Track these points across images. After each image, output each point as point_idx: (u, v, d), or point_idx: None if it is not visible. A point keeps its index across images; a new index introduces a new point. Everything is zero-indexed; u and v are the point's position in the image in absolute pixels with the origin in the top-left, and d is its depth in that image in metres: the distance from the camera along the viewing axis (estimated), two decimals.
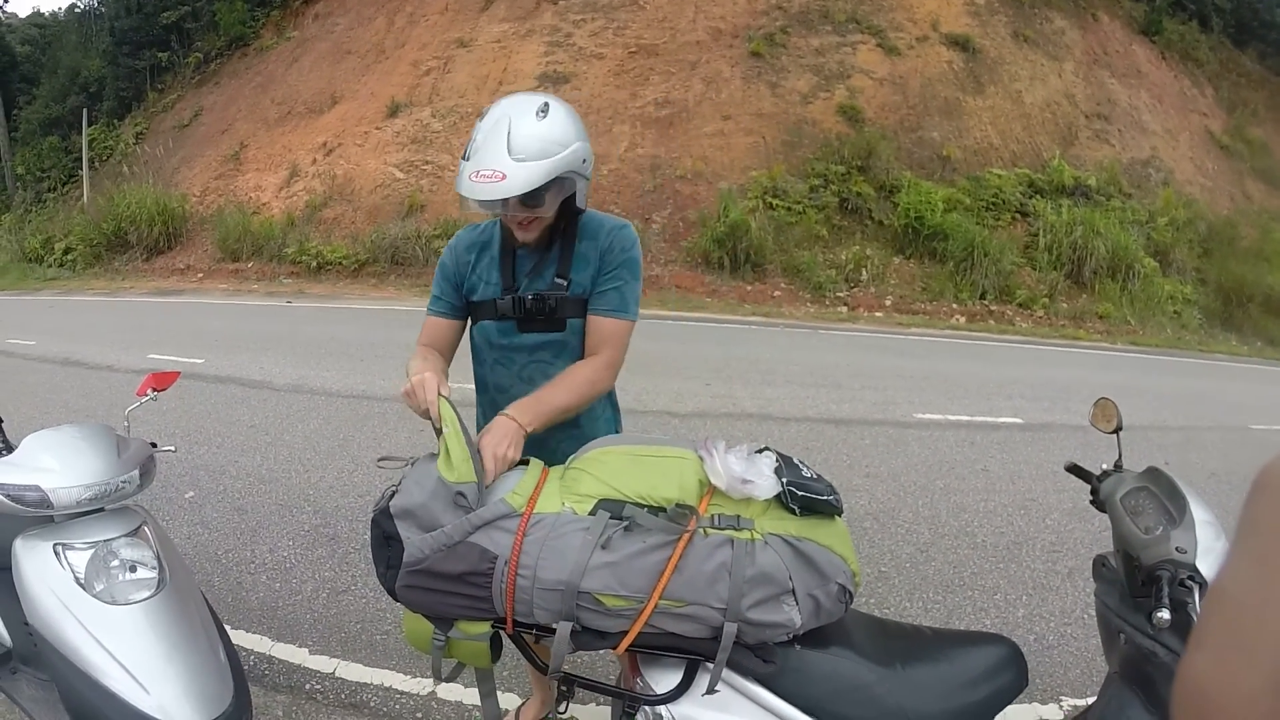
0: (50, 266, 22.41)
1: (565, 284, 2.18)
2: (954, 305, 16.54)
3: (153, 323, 12.96)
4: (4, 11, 38.76)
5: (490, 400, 2.35)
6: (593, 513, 1.71)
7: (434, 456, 1.83)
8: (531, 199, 1.96)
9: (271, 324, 12.50)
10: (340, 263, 17.81)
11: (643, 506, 1.70)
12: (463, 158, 2.01)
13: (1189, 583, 1.76)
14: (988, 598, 4.25)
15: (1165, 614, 1.71)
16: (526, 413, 1.99)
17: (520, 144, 1.93)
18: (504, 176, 1.90)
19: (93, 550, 2.27)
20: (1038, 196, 19.09)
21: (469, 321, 2.34)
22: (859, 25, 21.47)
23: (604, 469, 1.80)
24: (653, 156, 18.95)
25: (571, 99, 19.70)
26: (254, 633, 3.55)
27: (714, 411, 7.38)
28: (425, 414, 1.86)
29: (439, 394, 1.85)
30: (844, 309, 15.91)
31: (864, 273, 16.87)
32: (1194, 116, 25.98)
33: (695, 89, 20.16)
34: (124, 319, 13.58)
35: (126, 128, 28.66)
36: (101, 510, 2.38)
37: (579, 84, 20.56)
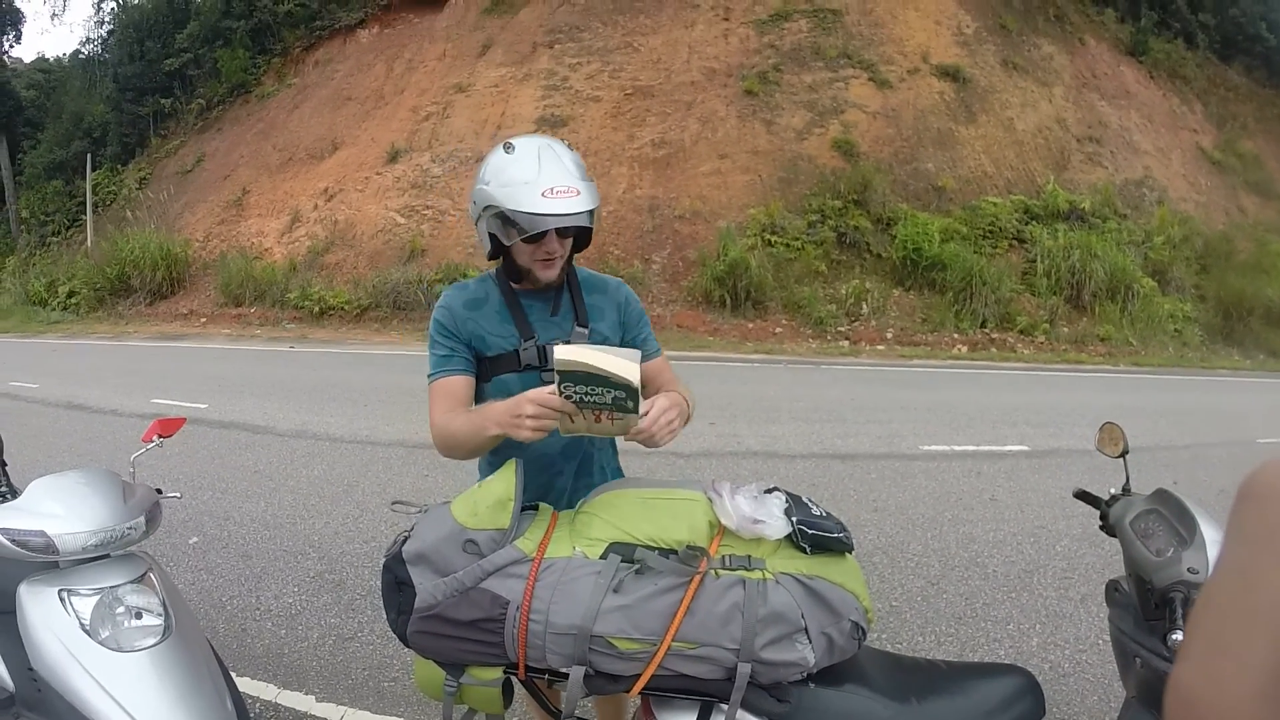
0: (54, 310, 22.54)
1: (586, 331, 2.16)
2: (955, 335, 16.57)
3: (156, 367, 13.01)
4: (9, 57, 39.08)
5: (507, 458, 2.14)
6: (604, 556, 1.71)
7: (447, 503, 1.83)
8: (591, 219, 1.97)
9: (275, 369, 12.55)
10: (342, 308, 17.89)
11: (653, 549, 1.71)
12: (498, 185, 1.94)
13: None
14: (1001, 628, 4.24)
15: (1180, 635, 1.72)
16: (679, 390, 2.04)
17: (573, 168, 1.93)
18: (579, 192, 1.89)
19: (98, 597, 2.26)
20: (1033, 222, 19.18)
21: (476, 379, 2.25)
22: (850, 60, 21.66)
23: (614, 512, 1.81)
24: (651, 197, 19.09)
25: (570, 141, 19.56)
26: (260, 680, 3.53)
27: (719, 451, 7.35)
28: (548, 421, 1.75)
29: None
30: (846, 343, 15.94)
31: (864, 306, 16.92)
32: (1185, 134, 26.12)
33: (691, 129, 20.33)
34: (127, 363, 13.62)
35: (130, 173, 28.96)
36: (107, 556, 2.37)
37: (576, 126, 20.73)
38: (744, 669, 1.63)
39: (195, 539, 5.20)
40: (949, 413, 9.51)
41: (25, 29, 45.50)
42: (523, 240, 1.96)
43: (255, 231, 21.99)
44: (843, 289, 17.21)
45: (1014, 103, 22.38)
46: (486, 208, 1.98)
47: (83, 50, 37.80)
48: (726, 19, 22.92)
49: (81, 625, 2.20)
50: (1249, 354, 18.50)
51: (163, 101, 29.32)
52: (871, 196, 18.51)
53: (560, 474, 2.23)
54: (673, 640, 1.62)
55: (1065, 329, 17.26)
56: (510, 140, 1.99)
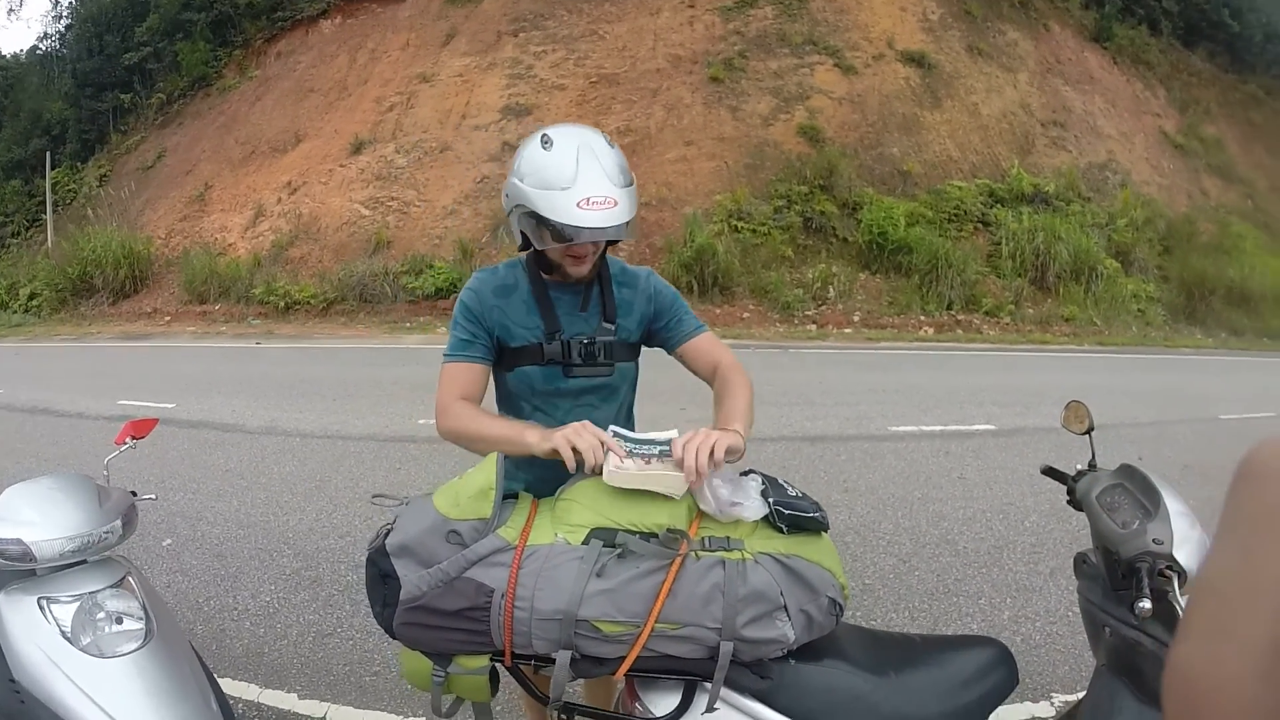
0: (15, 313, 22.11)
1: (613, 327, 2.16)
2: (921, 317, 16.71)
3: (121, 368, 12.85)
4: None
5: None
6: (585, 542, 1.73)
7: (428, 495, 1.85)
8: (629, 228, 1.95)
9: (242, 366, 12.44)
10: (308, 302, 17.75)
11: (634, 533, 1.73)
12: (529, 187, 1.92)
13: (1168, 572, 1.83)
14: (972, 603, 4.32)
15: (1147, 604, 1.77)
16: (738, 421, 2.00)
17: (612, 171, 1.91)
18: (616, 203, 1.88)
19: (78, 603, 2.24)
20: (998, 206, 19.38)
21: (494, 373, 2.25)
22: (816, 46, 21.72)
23: (594, 498, 1.82)
24: None
25: (535, 129, 19.81)
26: (241, 680, 3.51)
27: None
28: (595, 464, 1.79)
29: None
30: (813, 327, 16.03)
31: (831, 290, 17.02)
32: (1148, 118, 26.48)
33: (657, 116, 20.33)
34: (92, 365, 13.43)
35: (90, 170, 28.53)
36: (84, 562, 2.35)
37: (541, 115, 20.63)
38: (726, 647, 1.66)
39: (169, 541, 5.15)
40: (916, 394, 9.61)
41: None
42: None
43: (218, 227, 21.72)
44: (809, 273, 17.31)
45: (979, 88, 22.57)
46: (519, 205, 1.96)
47: (40, 46, 37.15)
48: (691, 6, 22.91)
49: (62, 633, 2.18)
50: (1211, 333, 18.85)
51: (122, 97, 28.90)
52: (837, 181, 18.60)
53: (555, 465, 2.21)
54: (656, 622, 1.65)
55: (1030, 310, 17.46)
56: (547, 132, 1.98)
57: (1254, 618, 0.68)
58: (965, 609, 4.25)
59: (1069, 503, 2.30)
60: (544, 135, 1.97)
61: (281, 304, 17.86)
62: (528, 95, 21.39)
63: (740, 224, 17.60)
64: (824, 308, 16.72)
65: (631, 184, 1.96)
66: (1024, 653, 3.71)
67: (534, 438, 1.89)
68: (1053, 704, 3.37)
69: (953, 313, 16.97)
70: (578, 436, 1.80)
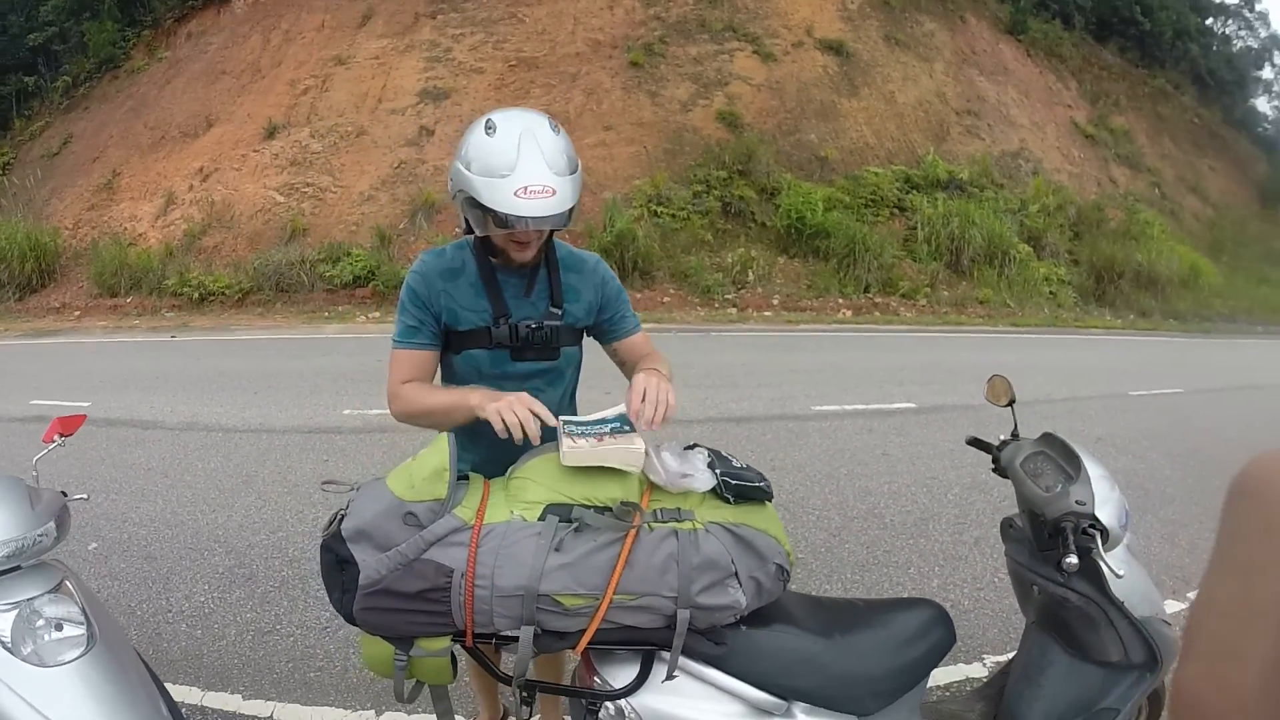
0: None
1: (559, 313, 2.20)
2: (840, 300, 17.02)
3: (31, 367, 12.37)
4: None
5: (470, 431, 2.17)
6: (542, 518, 1.77)
7: (381, 478, 1.87)
8: (569, 217, 1.97)
9: (157, 361, 12.07)
10: (224, 293, 17.28)
11: (589, 507, 1.78)
12: (471, 173, 1.94)
13: (1090, 530, 1.97)
14: (902, 572, 4.50)
15: (1073, 559, 1.91)
16: (663, 366, 2.15)
17: (553, 159, 1.93)
18: (554, 192, 1.90)
19: (16, 611, 2.16)
20: (914, 192, 19.82)
21: (442, 351, 2.27)
22: (735, 33, 21.89)
23: (547, 475, 1.86)
24: None
25: (453, 114, 19.63)
26: (182, 684, 3.45)
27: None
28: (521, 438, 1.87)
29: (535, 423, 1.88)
30: (733, 310, 16.22)
31: (750, 274, 17.21)
32: (1059, 109, 27.34)
33: (576, 100, 20.26)
34: (0, 365, 13.00)
35: None
36: (19, 568, 2.27)
37: (459, 99, 20.43)
38: (683, 615, 1.73)
39: (94, 545, 5.04)
40: (837, 374, 9.86)
41: None
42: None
43: (128, 216, 20.99)
44: (729, 258, 17.48)
45: (895, 77, 23.00)
46: (461, 190, 1.99)
47: None
48: None
49: (2, 643, 2.10)
50: (1120, 314, 19.61)
51: (26, 79, 27.62)
52: (756, 167, 18.80)
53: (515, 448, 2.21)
54: (615, 593, 1.70)
55: (946, 293, 17.93)
56: (492, 117, 2.00)
57: (1257, 636, 0.70)
58: (895, 578, 4.42)
59: (994, 470, 2.44)
60: (488, 120, 2.00)
61: (196, 295, 17.34)
62: (445, 79, 21.11)
63: (660, 209, 17.69)
64: (744, 291, 16.91)
65: (575, 171, 2.01)
66: (954, 618, 3.80)
67: (476, 399, 1.96)
68: (985, 664, 3.53)
69: (870, 295, 17.32)
70: (509, 410, 1.86)
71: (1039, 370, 10.78)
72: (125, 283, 18.37)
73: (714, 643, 1.83)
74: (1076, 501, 2.02)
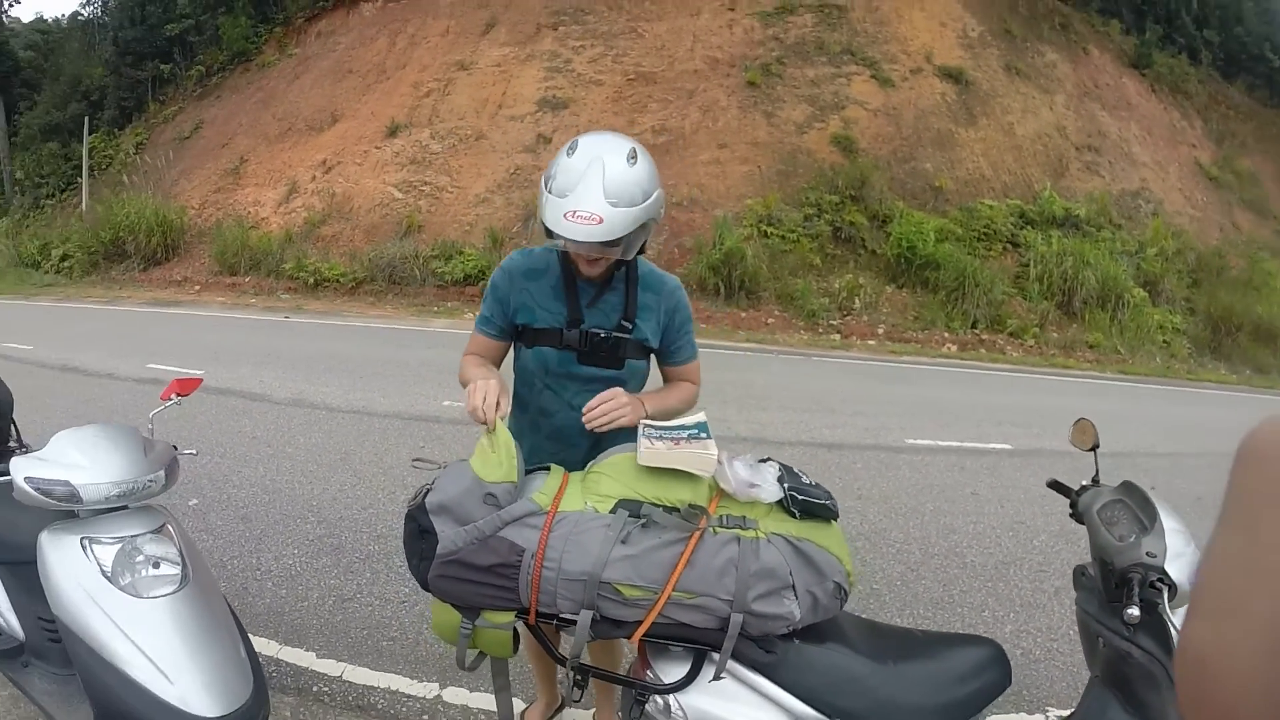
0: (47, 273, 22.28)
1: (630, 328, 2.30)
2: (945, 334, 16.66)
3: (150, 333, 12.96)
4: (7, 16, 38.59)
5: (532, 421, 2.43)
6: (613, 511, 1.85)
7: (466, 460, 1.97)
8: (617, 243, 2.05)
9: (270, 338, 12.54)
10: (338, 280, 17.85)
11: (658, 506, 1.85)
12: (545, 189, 2.06)
13: (1158, 584, 1.89)
14: (976, 614, 4.37)
15: (1135, 610, 1.84)
16: (652, 402, 2.23)
17: (615, 189, 1.99)
18: (600, 220, 1.97)
19: (119, 545, 2.33)
20: (1028, 227, 19.26)
21: (515, 344, 2.43)
22: (854, 57, 21.69)
23: (623, 472, 1.94)
24: None
25: (570, 124, 19.87)
26: (262, 636, 3.60)
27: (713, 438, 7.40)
28: (480, 418, 1.98)
29: (497, 410, 1.98)
30: (837, 336, 16.01)
31: (857, 301, 16.97)
32: (1183, 148, 26.28)
33: (692, 117, 20.32)
34: (121, 328, 13.57)
35: (127, 137, 28.71)
36: (126, 508, 2.44)
37: (577, 110, 20.72)
38: (736, 618, 1.77)
39: (195, 501, 5.27)
40: (935, 409, 9.63)
41: None
42: None
43: (252, 201, 21.84)
44: (836, 283, 17.28)
45: (1015, 108, 22.47)
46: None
47: (82, 12, 37.38)
48: (731, 9, 22.88)
49: (103, 572, 2.27)
50: (1235, 369, 18.64)
51: (162, 67, 29.07)
52: (869, 193, 18.54)
53: (575, 447, 2.36)
54: (673, 590, 1.76)
55: (1055, 334, 17.39)
56: (580, 139, 2.10)
57: (1261, 595, 0.70)
58: (969, 619, 4.31)
59: (1071, 516, 2.38)
60: (574, 141, 2.09)
61: (311, 280, 17.95)
62: (564, 89, 21.43)
63: (770, 229, 17.57)
64: (849, 318, 16.70)
65: (637, 204, 2.04)
66: (1023, 666, 3.78)
67: (474, 374, 2.15)
68: (1048, 717, 3.42)
69: (977, 331, 16.91)
70: (475, 393, 1.98)
71: (1144, 422, 10.37)
72: (245, 263, 19.14)
73: (765, 650, 1.86)
74: (1147, 554, 1.95)
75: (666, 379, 2.49)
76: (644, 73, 21.56)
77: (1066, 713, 2.79)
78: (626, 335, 2.30)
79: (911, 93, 21.45)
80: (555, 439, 2.31)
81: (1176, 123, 27.10)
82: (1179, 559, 1.97)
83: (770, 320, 16.34)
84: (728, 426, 7.81)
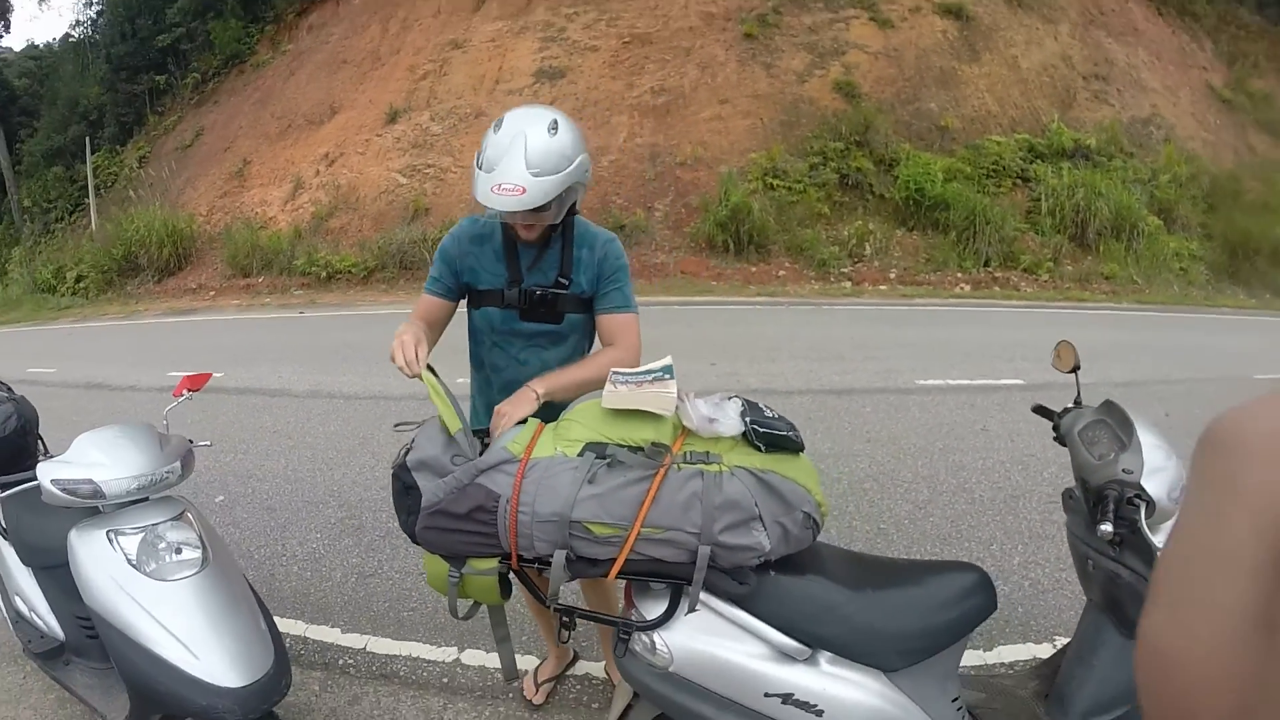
0: (63, 296, 22.47)
1: (567, 283, 2.44)
2: (958, 274, 16.55)
3: (169, 342, 13.11)
4: None
5: (485, 378, 2.64)
6: (580, 454, 1.93)
7: (436, 417, 2.12)
8: (544, 208, 2.19)
9: (286, 335, 12.70)
10: (350, 271, 17.91)
11: (624, 447, 1.93)
12: (476, 165, 2.21)
13: (1135, 500, 1.90)
14: (984, 548, 4.40)
15: (1108, 527, 1.86)
16: (544, 383, 2.29)
17: (536, 159, 2.14)
18: (524, 190, 2.12)
19: (142, 534, 2.49)
20: (1038, 161, 18.97)
21: (466, 306, 2.58)
22: (851, 0, 21.42)
23: (591, 417, 2.03)
24: (652, 145, 18.99)
25: (568, 92, 19.80)
26: (289, 617, 3.75)
27: (718, 389, 7.28)
28: (408, 373, 2.15)
29: (419, 361, 2.15)
30: (848, 284, 15.93)
31: (867, 247, 16.88)
32: (1194, 71, 25.68)
33: (690, 75, 20.17)
34: (141, 340, 13.76)
35: (129, 152, 28.79)
36: (147, 499, 2.60)
37: (575, 78, 20.63)
38: (704, 550, 1.83)
39: (221, 497, 5.43)
40: (947, 349, 9.61)
41: (13, 17, 44.85)
42: None
43: (258, 201, 21.94)
44: (845, 230, 17.17)
45: (1018, 40, 22.04)
46: None
47: (73, 34, 37.36)
48: None
49: (128, 560, 2.43)
50: (1254, 293, 18.32)
51: (157, 78, 29.07)
52: (874, 137, 18.37)
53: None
54: (642, 526, 1.83)
55: (1069, 267, 17.19)
56: (504, 116, 2.25)
57: (1224, 584, 0.70)
58: (976, 553, 4.34)
59: (1055, 439, 2.44)
60: (500, 118, 2.25)
61: (323, 274, 18.04)
62: (561, 58, 21.32)
63: (776, 182, 17.47)
64: (860, 265, 16.61)
65: (560, 171, 2.18)
66: (1032, 596, 3.83)
67: (404, 328, 2.30)
68: (1054, 645, 3.44)
69: (990, 270, 16.77)
70: (396, 351, 2.17)
71: (1161, 350, 10.27)
72: (257, 264, 19.26)
73: (739, 582, 1.90)
74: (1124, 470, 1.97)
75: (600, 333, 2.56)
76: (639, 34, 21.39)
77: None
78: (564, 290, 2.45)
79: (912, 32, 21.10)
80: (507, 392, 2.38)
81: (1186, 46, 26.49)
82: (1158, 474, 1.98)
83: (781, 273, 16.30)
84: (738, 380, 7.86)
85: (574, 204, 2.37)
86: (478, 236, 2.51)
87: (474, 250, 2.50)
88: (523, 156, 2.13)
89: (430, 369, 2.17)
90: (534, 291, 2.44)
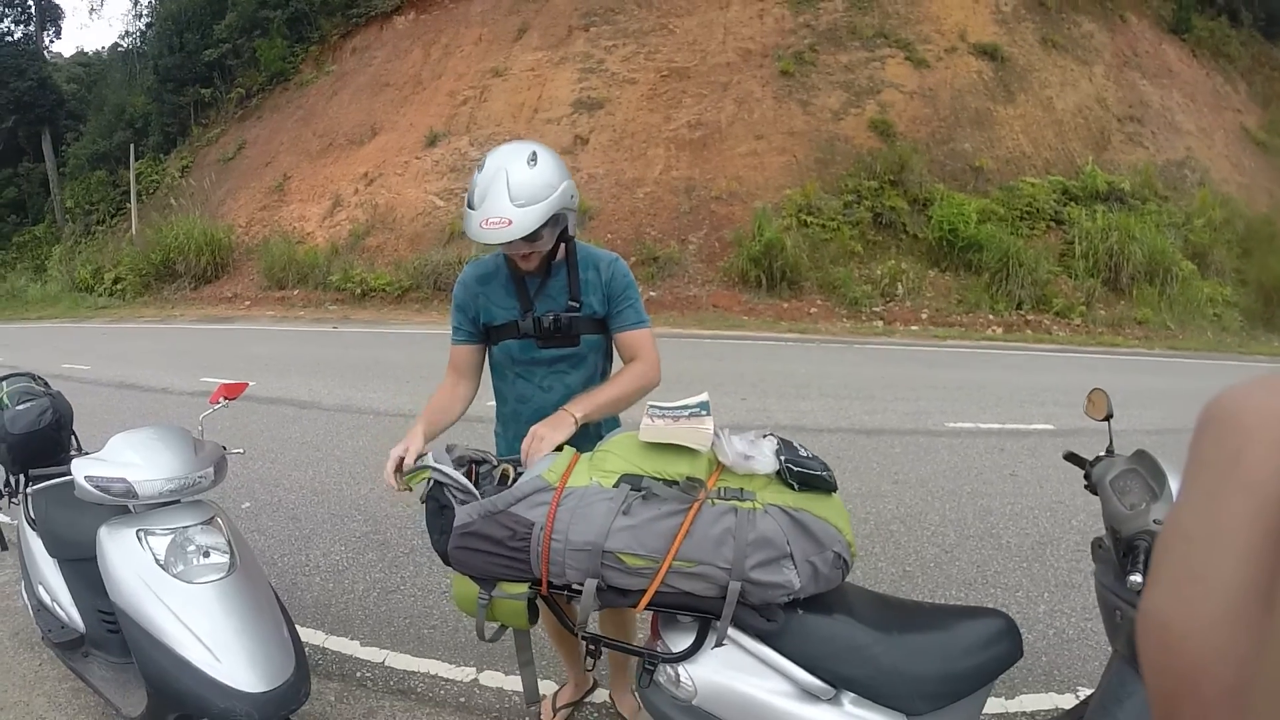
0: (100, 296, 23.01)
1: (578, 305, 2.47)
2: (990, 316, 16.48)
3: (203, 348, 13.31)
4: (49, 52, 39.62)
5: (512, 410, 2.66)
6: (616, 485, 1.96)
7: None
8: (533, 237, 2.25)
9: (319, 348, 12.82)
10: (384, 289, 18.14)
11: (659, 480, 1.95)
12: (467, 205, 2.28)
13: None
14: (1009, 595, 4.34)
15: (1138, 578, 1.84)
16: (580, 407, 2.34)
17: (518, 191, 2.20)
18: (510, 222, 2.18)
19: (171, 536, 2.53)
20: (1072, 204, 18.87)
21: (487, 343, 2.63)
22: (887, 39, 21.48)
23: (627, 449, 2.06)
24: (687, 178, 19.12)
25: (606, 124, 19.96)
26: (309, 627, 3.78)
27: (748, 424, 7.30)
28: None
29: (400, 477, 2.30)
30: (880, 323, 15.92)
31: (899, 287, 16.86)
32: (1228, 114, 25.47)
33: (727, 110, 20.30)
34: (175, 345, 13.96)
35: (172, 161, 29.38)
36: (178, 502, 2.64)
37: (613, 109, 20.84)
38: (734, 586, 1.85)
39: (248, 504, 5.50)
40: (978, 392, 9.54)
41: (64, 24, 46.05)
42: None
43: (297, 216, 22.31)
44: (878, 269, 17.16)
45: (1053, 82, 22.03)
46: None
47: (122, 43, 38.47)
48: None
49: (157, 560, 2.47)
50: None
51: (203, 91, 29.60)
52: (908, 177, 18.39)
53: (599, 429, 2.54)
54: (674, 559, 1.85)
55: (1102, 311, 17.05)
56: (486, 155, 2.32)
57: (1222, 560, 0.65)
58: (1001, 600, 4.28)
59: (1086, 487, 2.38)
60: (483, 158, 2.32)
61: (358, 291, 18.29)
62: (599, 89, 21.54)
63: (809, 219, 17.52)
64: (892, 304, 16.60)
65: (542, 200, 2.24)
66: (1057, 646, 3.77)
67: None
68: (1078, 696, 3.39)
69: (1023, 312, 16.69)
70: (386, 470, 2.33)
71: (1193, 397, 9.85)
72: (293, 277, 19.57)
73: (766, 619, 1.91)
74: (1155, 520, 1.95)
75: (619, 350, 2.61)
76: (677, 68, 21.57)
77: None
78: (576, 313, 2.48)
79: (947, 72, 21.16)
80: (537, 421, 2.41)
81: (1220, 87, 26.32)
82: None
83: (813, 310, 16.31)
84: (767, 415, 7.84)
85: (566, 229, 2.41)
86: (483, 276, 2.57)
87: (483, 290, 2.55)
88: (505, 190, 2.20)
89: (420, 463, 2.25)
90: (548, 317, 2.47)
